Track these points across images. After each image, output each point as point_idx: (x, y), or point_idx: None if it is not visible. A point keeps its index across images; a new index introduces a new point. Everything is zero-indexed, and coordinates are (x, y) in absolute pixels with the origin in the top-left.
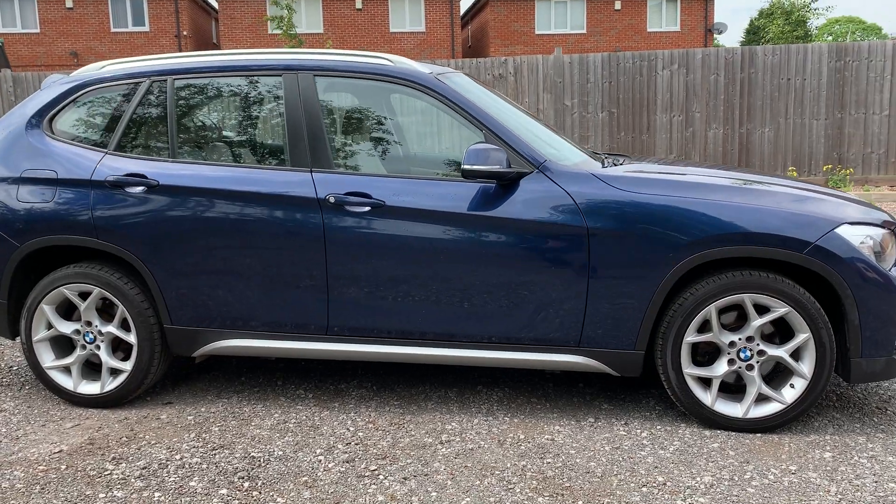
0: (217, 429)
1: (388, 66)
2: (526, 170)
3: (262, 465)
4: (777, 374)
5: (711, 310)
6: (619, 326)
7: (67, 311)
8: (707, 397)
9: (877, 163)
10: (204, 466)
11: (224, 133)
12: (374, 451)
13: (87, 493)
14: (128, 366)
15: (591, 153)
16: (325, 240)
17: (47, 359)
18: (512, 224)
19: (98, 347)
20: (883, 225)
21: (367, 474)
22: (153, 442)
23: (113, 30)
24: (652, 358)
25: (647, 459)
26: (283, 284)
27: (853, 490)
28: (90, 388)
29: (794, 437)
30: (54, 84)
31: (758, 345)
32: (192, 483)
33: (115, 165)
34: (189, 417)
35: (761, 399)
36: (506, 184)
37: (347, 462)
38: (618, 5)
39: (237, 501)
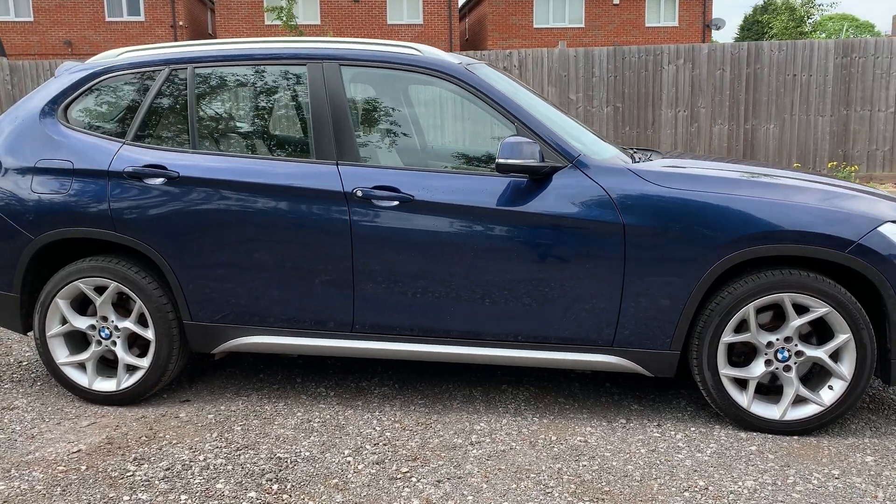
0: (239, 428)
1: (417, 56)
2: (560, 164)
3: (290, 466)
4: (812, 376)
5: (750, 309)
6: (654, 326)
7: (81, 305)
8: (743, 399)
9: (881, 160)
10: (229, 468)
11: (246, 124)
12: (404, 452)
13: (111, 495)
14: (145, 362)
15: (621, 148)
16: (351, 234)
17: (61, 355)
18: (545, 220)
19: (114, 343)
20: None
21: (398, 476)
22: (174, 441)
23: (108, 19)
24: (683, 358)
25: (685, 462)
26: (308, 280)
27: None
28: (106, 384)
29: (833, 440)
30: (69, 72)
31: (796, 345)
32: (218, 485)
33: (133, 156)
34: (209, 416)
35: (798, 401)
36: (538, 178)
37: (377, 464)
38: (616, 0)
39: None
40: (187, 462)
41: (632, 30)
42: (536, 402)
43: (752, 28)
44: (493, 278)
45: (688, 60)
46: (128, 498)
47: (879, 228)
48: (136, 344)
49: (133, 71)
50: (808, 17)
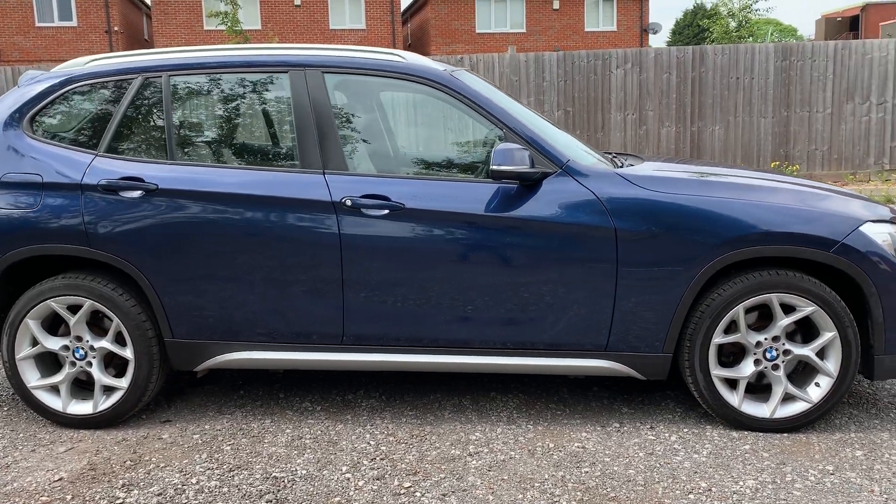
0: (228, 448)
1: (401, 63)
2: (549, 170)
3: (288, 486)
4: (797, 374)
5: (739, 310)
6: (647, 329)
7: (52, 325)
8: (734, 398)
9: (820, 159)
10: (225, 490)
11: (226, 133)
12: (403, 465)
13: None
14: (124, 383)
15: (602, 153)
16: (340, 245)
17: (32, 378)
18: (537, 226)
19: (89, 364)
20: (894, 221)
21: (402, 492)
22: (162, 465)
23: (38, 24)
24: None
25: (684, 464)
26: (295, 293)
27: (895, 488)
28: (81, 407)
29: (821, 436)
30: (34, 80)
31: (783, 344)
32: None
33: (107, 168)
34: (195, 436)
35: (787, 399)
36: (528, 184)
37: (378, 479)
38: (556, 5)
39: None
40: (179, 486)
41: (572, 34)
42: (528, 409)
43: (684, 32)
44: (486, 284)
45: (635, 64)
46: None
47: (861, 228)
48: (111, 364)
49: (104, 79)
50: (745, 22)
